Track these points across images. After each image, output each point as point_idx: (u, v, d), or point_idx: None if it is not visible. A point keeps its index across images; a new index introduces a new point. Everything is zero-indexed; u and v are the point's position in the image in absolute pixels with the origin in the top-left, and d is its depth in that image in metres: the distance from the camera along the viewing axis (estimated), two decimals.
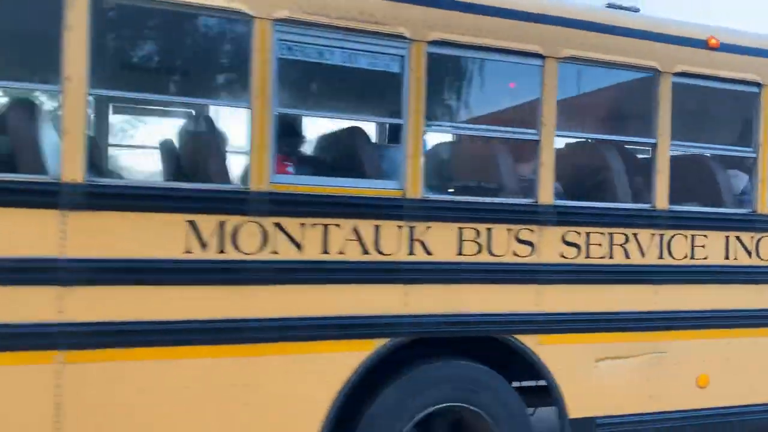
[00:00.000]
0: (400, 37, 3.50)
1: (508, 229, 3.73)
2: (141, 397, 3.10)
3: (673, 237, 4.12)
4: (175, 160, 3.51)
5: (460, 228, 3.63)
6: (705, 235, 4.21)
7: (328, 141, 3.84)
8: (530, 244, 3.77)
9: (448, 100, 3.88)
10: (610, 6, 4.86)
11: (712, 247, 4.23)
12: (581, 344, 3.91)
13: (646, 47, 4.04)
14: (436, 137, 3.69)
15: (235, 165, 3.37)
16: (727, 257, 4.28)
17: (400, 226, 3.51)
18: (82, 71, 2.97)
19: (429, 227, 3.56)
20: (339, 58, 3.48)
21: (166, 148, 3.54)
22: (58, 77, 2.96)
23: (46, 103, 3.34)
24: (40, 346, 2.97)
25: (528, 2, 3.78)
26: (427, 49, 3.55)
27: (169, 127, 3.56)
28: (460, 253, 3.63)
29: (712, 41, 4.24)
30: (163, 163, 3.57)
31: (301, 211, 3.34)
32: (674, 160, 4.14)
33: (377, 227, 3.47)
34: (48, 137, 3.16)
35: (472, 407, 3.67)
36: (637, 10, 10.58)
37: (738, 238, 4.30)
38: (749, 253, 4.34)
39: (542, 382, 3.92)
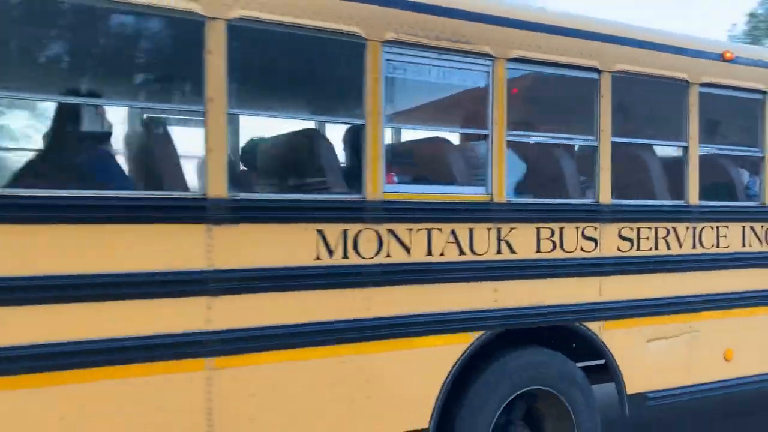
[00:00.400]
0: (486, 55, 3.83)
1: (576, 227, 4.14)
2: (279, 396, 3.31)
3: (703, 229, 4.65)
4: (300, 173, 3.70)
5: (538, 228, 4.01)
6: (727, 227, 4.77)
7: (423, 151, 4.12)
8: (594, 240, 4.20)
9: (524, 112, 4.23)
10: None
11: (732, 237, 4.80)
12: (635, 327, 4.37)
13: (680, 61, 4.53)
14: (512, 146, 4.01)
15: (351, 177, 3.60)
16: (743, 245, 4.87)
17: (489, 228, 3.86)
18: (222, 92, 3.14)
19: (512, 228, 3.92)
20: (434, 76, 3.78)
21: (291, 161, 3.72)
22: (202, 99, 3.12)
23: (189, 123, 3.46)
24: (192, 355, 3.13)
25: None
26: (508, 65, 3.90)
27: (292, 143, 3.75)
28: (538, 251, 4.01)
29: (728, 54, 4.79)
30: (289, 177, 3.75)
31: (409, 217, 3.63)
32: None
33: (471, 230, 3.80)
34: (192, 156, 3.30)
35: (551, 390, 4.07)
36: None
37: (752, 228, 4.89)
38: (760, 241, 4.94)
39: (593, 363, 4.39)
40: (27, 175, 3.17)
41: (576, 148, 4.38)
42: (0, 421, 2.74)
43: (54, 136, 3.33)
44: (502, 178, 3.89)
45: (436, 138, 4.15)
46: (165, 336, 3.06)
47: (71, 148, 3.30)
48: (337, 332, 3.43)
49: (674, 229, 4.52)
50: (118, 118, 3.62)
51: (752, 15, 51.19)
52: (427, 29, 3.65)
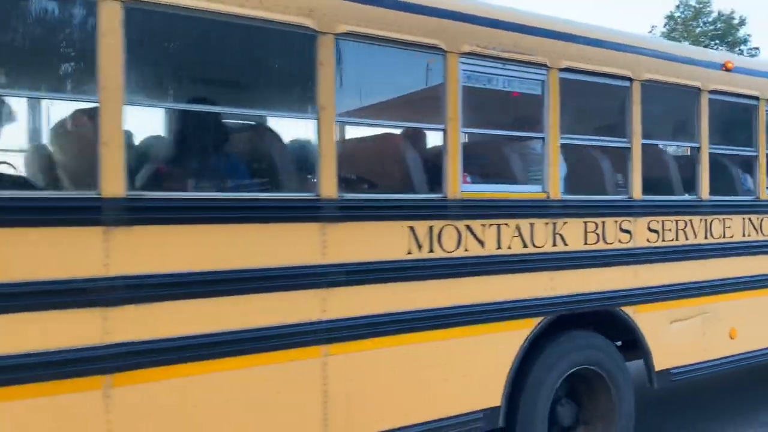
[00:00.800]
0: (542, 65, 4.22)
1: (615, 221, 4.59)
2: (379, 378, 3.61)
3: (712, 221, 5.20)
4: (391, 173, 3.99)
5: (585, 222, 4.44)
6: (731, 218, 5.33)
7: (490, 153, 4.48)
8: (629, 232, 4.66)
9: (572, 116, 4.64)
10: None
11: (735, 227, 5.38)
12: (662, 311, 4.86)
13: (694, 71, 5.06)
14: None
15: (433, 177, 3.92)
16: (743, 235, 5.45)
17: (546, 223, 4.25)
18: (332, 102, 3.42)
19: (565, 223, 4.34)
20: (500, 84, 4.15)
21: (384, 163, 4.00)
22: (315, 107, 3.39)
23: (300, 130, 3.70)
24: (309, 343, 3.40)
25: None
26: (559, 74, 4.30)
27: (387, 147, 4.04)
28: (585, 243, 4.44)
29: (729, 64, 5.35)
30: (382, 177, 4.02)
31: (483, 213, 3.98)
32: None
33: (532, 225, 4.19)
34: (304, 159, 3.56)
35: (598, 369, 4.52)
36: None
37: (749, 219, 5.48)
38: (756, 231, 5.54)
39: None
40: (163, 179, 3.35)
41: (610, 149, 4.82)
42: (172, 405, 2.96)
43: (190, 143, 3.53)
44: (557, 178, 4.30)
45: (498, 138, 4.53)
46: (284, 327, 3.32)
47: (205, 154, 3.51)
48: (424, 320, 3.76)
49: (690, 221, 5.04)
50: (237, 125, 3.82)
51: (670, 17, 53.80)
52: (495, 42, 4.01)
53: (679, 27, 50.69)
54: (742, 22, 50.30)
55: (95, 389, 2.85)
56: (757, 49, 48.89)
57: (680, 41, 51.59)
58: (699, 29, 49.62)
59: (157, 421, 3.00)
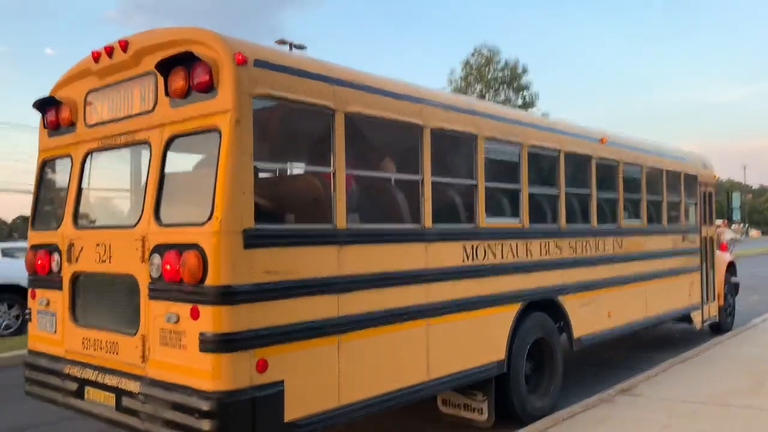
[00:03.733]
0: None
1: (553, 242, 7.20)
2: (452, 339, 5.81)
3: (624, 239, 8.04)
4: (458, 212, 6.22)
5: (541, 242, 6.99)
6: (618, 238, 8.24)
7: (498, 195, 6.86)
8: (559, 248, 7.29)
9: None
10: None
11: (608, 243, 8.28)
12: (577, 298, 7.56)
13: (584, 144, 7.89)
14: None
15: (470, 214, 6.23)
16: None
17: (519, 242, 6.73)
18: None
19: (531, 242, 6.84)
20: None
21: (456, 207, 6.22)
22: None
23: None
24: (418, 317, 5.52)
25: None
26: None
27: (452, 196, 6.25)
28: (540, 255, 6.98)
29: (604, 139, 8.28)
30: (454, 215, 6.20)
31: (495, 235, 6.36)
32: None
33: (516, 244, 6.65)
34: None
35: (546, 337, 7.06)
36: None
37: (617, 240, 8.43)
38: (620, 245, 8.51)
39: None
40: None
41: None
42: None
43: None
44: (527, 213, 6.80)
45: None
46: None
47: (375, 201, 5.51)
48: (470, 304, 6.03)
49: (604, 240, 7.86)
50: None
51: (466, 63, 60.37)
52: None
53: (474, 72, 57.50)
54: (524, 71, 58.20)
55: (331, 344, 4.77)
56: (536, 94, 56.88)
57: (475, 85, 58.06)
58: (490, 75, 56.79)
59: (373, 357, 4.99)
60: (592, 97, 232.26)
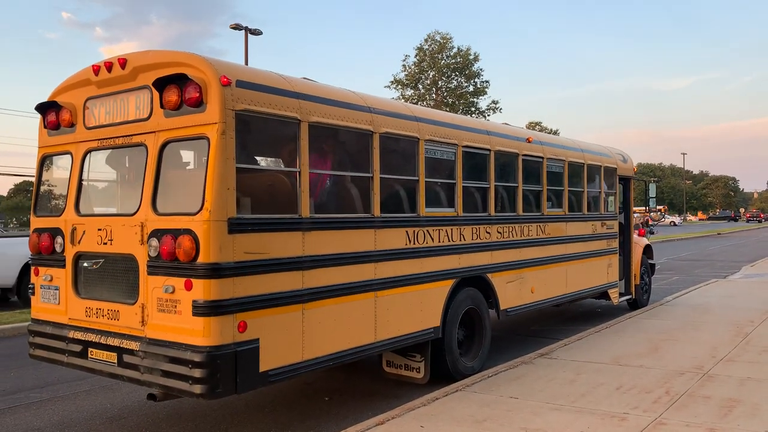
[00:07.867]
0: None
1: (484, 228, 8.45)
2: (398, 308, 7.01)
3: (525, 227, 9.32)
4: (402, 203, 7.33)
5: (473, 228, 8.22)
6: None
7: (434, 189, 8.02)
8: (488, 233, 8.54)
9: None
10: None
11: (533, 229, 9.57)
12: (504, 276, 8.84)
13: (512, 143, 9.14)
14: None
15: (413, 205, 7.40)
16: (535, 234, 9.68)
17: (453, 227, 7.95)
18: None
19: (464, 228, 8.07)
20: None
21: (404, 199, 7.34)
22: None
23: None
24: (368, 290, 6.70)
25: None
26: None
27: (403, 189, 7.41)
28: (472, 239, 8.21)
29: (530, 139, 9.55)
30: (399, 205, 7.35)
31: (432, 223, 7.56)
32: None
33: (451, 229, 7.86)
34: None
35: (476, 308, 8.32)
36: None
37: (540, 226, 9.73)
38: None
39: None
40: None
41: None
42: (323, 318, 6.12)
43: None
44: (461, 203, 8.01)
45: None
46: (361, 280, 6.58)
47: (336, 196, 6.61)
48: (411, 279, 7.23)
49: (529, 226, 9.12)
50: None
51: (420, 49, 61.43)
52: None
53: (427, 58, 58.67)
54: (476, 58, 59.55)
55: (296, 312, 5.90)
56: (487, 81, 58.26)
57: (428, 72, 59.15)
58: (443, 61, 58.02)
59: (330, 322, 6.12)
60: (549, 82, 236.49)
